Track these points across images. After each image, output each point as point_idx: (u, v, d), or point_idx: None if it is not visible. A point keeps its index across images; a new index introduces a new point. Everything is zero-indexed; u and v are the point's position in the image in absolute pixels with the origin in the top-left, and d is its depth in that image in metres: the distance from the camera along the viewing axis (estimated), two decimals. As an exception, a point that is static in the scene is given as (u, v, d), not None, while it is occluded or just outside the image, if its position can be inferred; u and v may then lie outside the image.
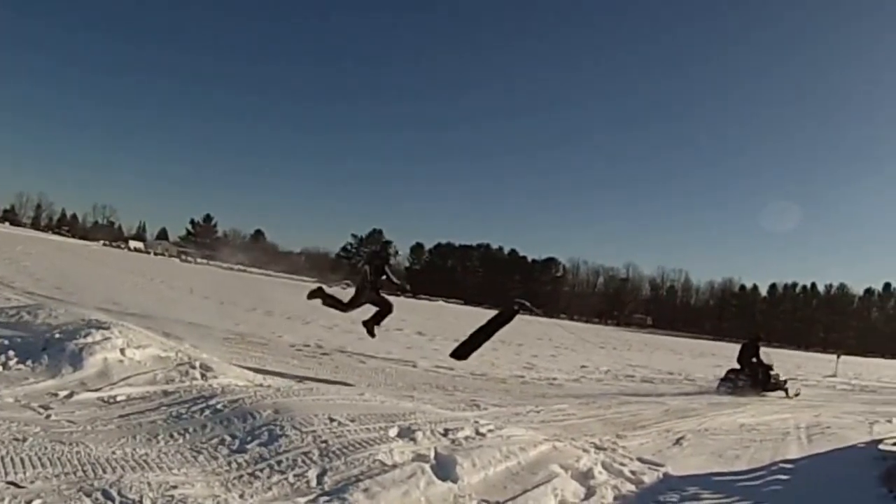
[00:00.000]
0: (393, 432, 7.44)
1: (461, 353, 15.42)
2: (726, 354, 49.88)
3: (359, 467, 6.29)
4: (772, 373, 21.02)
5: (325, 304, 14.55)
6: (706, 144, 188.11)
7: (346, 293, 14.80)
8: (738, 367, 21.12)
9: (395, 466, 6.41)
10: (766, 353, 21.66)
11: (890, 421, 15.15)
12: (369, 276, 14.32)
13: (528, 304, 15.99)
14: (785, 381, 21.32)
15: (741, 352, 21.60)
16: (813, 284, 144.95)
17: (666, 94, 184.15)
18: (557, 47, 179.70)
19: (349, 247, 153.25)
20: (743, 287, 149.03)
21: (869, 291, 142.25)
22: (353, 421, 7.52)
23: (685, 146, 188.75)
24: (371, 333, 14.77)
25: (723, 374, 21.61)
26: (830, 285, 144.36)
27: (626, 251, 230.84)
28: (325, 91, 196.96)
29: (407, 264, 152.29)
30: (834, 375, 35.22)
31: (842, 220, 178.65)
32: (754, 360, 21.02)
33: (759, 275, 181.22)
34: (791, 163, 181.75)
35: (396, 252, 15.03)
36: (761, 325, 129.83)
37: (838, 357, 43.55)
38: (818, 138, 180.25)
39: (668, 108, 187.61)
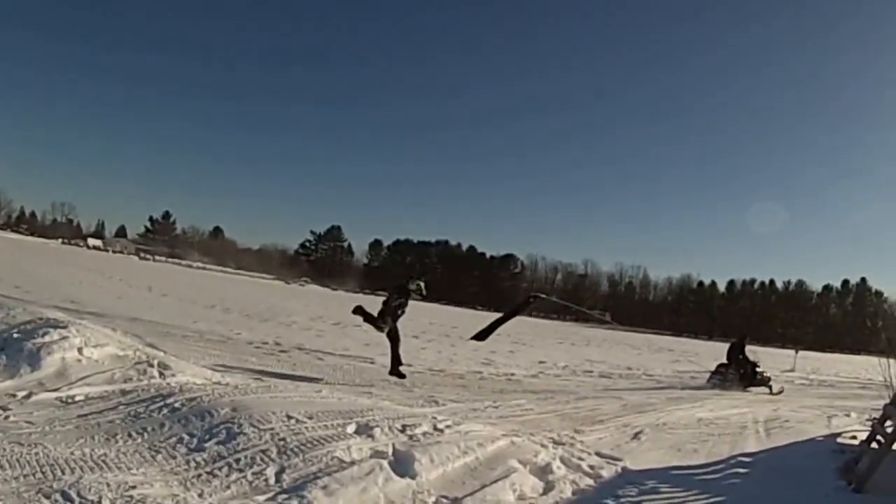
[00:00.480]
0: (351, 429, 7.43)
1: (481, 336, 17.64)
2: (685, 350, 50.70)
3: (317, 464, 6.29)
4: (758, 370, 21.83)
5: (365, 320, 14.89)
6: (665, 145, 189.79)
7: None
8: (726, 363, 22.12)
9: (353, 463, 6.42)
10: (752, 352, 22.67)
11: (848, 415, 15.36)
12: (400, 308, 15.02)
13: (543, 295, 18.13)
14: (769, 379, 22.08)
15: (730, 349, 22.50)
16: (771, 281, 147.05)
17: (626, 100, 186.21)
18: (526, 52, 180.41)
19: (308, 244, 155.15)
20: (701, 283, 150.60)
21: (827, 288, 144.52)
22: (310, 418, 7.50)
23: (644, 147, 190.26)
24: (401, 375, 14.98)
25: (706, 368, 23.33)
26: (789, 282, 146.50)
27: (585, 247, 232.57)
28: (281, 91, 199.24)
29: (365, 261, 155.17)
30: (792, 370, 35.61)
31: (801, 218, 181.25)
32: (741, 357, 21.94)
33: (717, 271, 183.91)
34: (750, 162, 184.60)
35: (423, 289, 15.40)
36: (720, 322, 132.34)
37: (796, 352, 44.17)
38: (777, 137, 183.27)
39: (628, 113, 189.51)
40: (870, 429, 10.65)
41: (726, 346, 23.52)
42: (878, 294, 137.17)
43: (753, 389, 21.07)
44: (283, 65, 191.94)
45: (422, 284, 15.51)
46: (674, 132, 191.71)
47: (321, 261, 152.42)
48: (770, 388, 21.56)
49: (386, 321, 14.90)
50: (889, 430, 8.64)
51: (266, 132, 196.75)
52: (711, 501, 7.37)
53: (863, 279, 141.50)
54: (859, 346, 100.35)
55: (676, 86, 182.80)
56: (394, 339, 15.18)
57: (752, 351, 22.73)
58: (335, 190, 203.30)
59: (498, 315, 17.19)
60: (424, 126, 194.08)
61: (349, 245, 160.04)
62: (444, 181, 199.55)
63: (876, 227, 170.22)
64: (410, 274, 16.07)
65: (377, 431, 7.47)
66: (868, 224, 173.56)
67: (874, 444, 9.14)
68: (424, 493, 6.35)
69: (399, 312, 15.12)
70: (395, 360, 15.07)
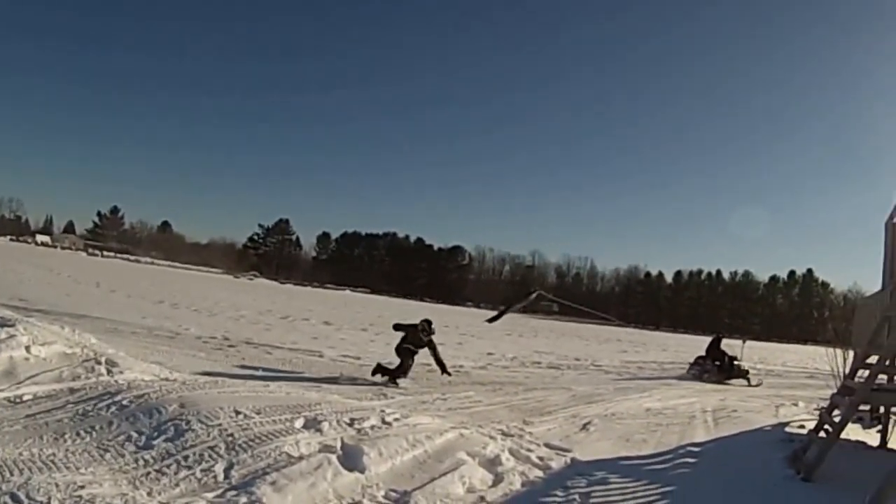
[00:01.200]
0: (299, 423, 7.44)
1: (493, 320, 20.09)
2: (632, 340, 51.30)
3: (265, 460, 6.28)
4: (735, 363, 22.88)
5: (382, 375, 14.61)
6: (613, 134, 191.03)
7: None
8: (704, 355, 23.21)
9: (301, 458, 6.41)
10: (730, 346, 23.89)
11: (795, 404, 15.63)
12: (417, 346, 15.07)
13: (545, 293, 19.84)
14: (747, 371, 23.02)
15: (709, 345, 23.55)
16: (718, 272, 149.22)
17: (572, 88, 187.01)
18: (467, 41, 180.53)
19: (256, 237, 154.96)
20: (648, 274, 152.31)
21: (774, 279, 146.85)
22: (258, 413, 7.49)
23: (591, 136, 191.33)
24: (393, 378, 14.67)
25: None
26: (735, 272, 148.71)
27: (532, 239, 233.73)
28: (226, 84, 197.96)
29: (314, 254, 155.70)
30: (739, 360, 36.11)
31: (747, 210, 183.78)
32: (718, 352, 23.03)
33: (664, 262, 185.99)
34: (696, 154, 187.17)
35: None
36: (668, 312, 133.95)
37: (744, 342, 44.65)
38: (725, 131, 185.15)
39: (574, 101, 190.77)
40: (817, 418, 10.82)
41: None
42: (825, 285, 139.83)
43: (733, 381, 21.96)
44: (229, 57, 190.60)
45: (428, 327, 15.55)
46: (615, 122, 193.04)
47: (270, 254, 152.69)
48: (748, 379, 22.44)
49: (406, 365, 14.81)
50: (836, 419, 8.77)
51: (213, 125, 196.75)
52: (661, 491, 7.40)
53: (809, 270, 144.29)
54: (806, 336, 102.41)
55: (624, 74, 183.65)
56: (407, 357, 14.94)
57: (729, 346, 23.88)
58: (283, 183, 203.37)
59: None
60: (368, 117, 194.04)
61: (297, 238, 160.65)
62: (390, 173, 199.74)
63: (822, 219, 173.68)
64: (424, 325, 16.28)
65: (325, 426, 7.47)
66: (815, 216, 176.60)
67: (822, 434, 9.29)
68: (373, 488, 6.33)
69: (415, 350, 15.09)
70: (392, 371, 14.71)
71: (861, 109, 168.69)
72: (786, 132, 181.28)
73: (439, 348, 15.32)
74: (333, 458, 6.55)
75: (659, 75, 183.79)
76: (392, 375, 14.43)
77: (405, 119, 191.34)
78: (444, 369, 15.38)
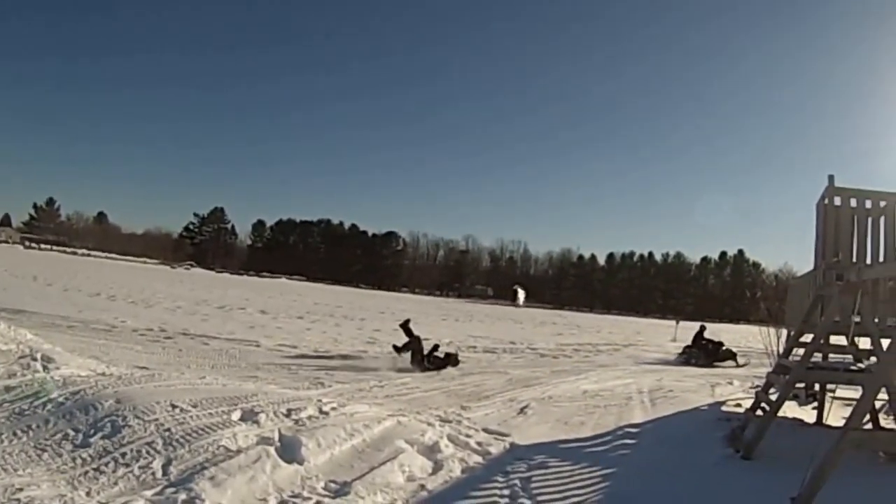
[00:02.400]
0: (236, 416, 7.37)
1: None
2: (567, 322, 51.64)
3: (203, 454, 6.21)
4: (723, 348, 24.23)
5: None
6: (544, 117, 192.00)
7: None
8: (691, 345, 24.79)
9: (239, 451, 6.35)
10: (715, 333, 26.22)
11: (730, 383, 15.80)
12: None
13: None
14: (735, 353, 24.09)
15: (694, 336, 25.19)
16: (650, 253, 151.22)
17: (500, 71, 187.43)
18: (391, 27, 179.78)
19: (192, 226, 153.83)
20: (581, 257, 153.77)
21: (705, 259, 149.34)
22: (195, 406, 7.40)
23: (522, 118, 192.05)
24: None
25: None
26: (667, 254, 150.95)
27: (466, 224, 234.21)
28: (158, 77, 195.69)
29: (249, 242, 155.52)
30: (674, 340, 36.59)
31: (678, 192, 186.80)
32: (703, 341, 24.56)
33: (596, 245, 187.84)
34: (626, 137, 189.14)
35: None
36: (601, 294, 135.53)
37: (677, 323, 45.41)
38: (655, 113, 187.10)
39: (505, 83, 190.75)
40: (753, 397, 10.95)
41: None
42: (756, 265, 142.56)
43: (722, 364, 23.08)
44: (159, 50, 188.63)
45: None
46: (541, 105, 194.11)
47: (206, 243, 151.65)
48: (736, 360, 23.52)
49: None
50: (773, 397, 8.87)
51: (146, 116, 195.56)
52: (602, 473, 7.40)
53: (740, 251, 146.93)
54: (738, 315, 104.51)
55: (552, 56, 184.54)
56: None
57: (715, 333, 26.32)
58: (217, 171, 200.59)
59: None
60: (296, 104, 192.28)
61: (233, 227, 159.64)
62: (324, 159, 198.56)
63: (753, 201, 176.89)
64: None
65: (262, 417, 7.43)
66: (745, 198, 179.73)
67: (759, 412, 9.40)
68: (313, 479, 6.27)
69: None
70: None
71: (789, 95, 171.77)
72: (717, 116, 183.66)
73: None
74: (272, 450, 6.48)
75: (588, 57, 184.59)
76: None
77: (336, 106, 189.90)
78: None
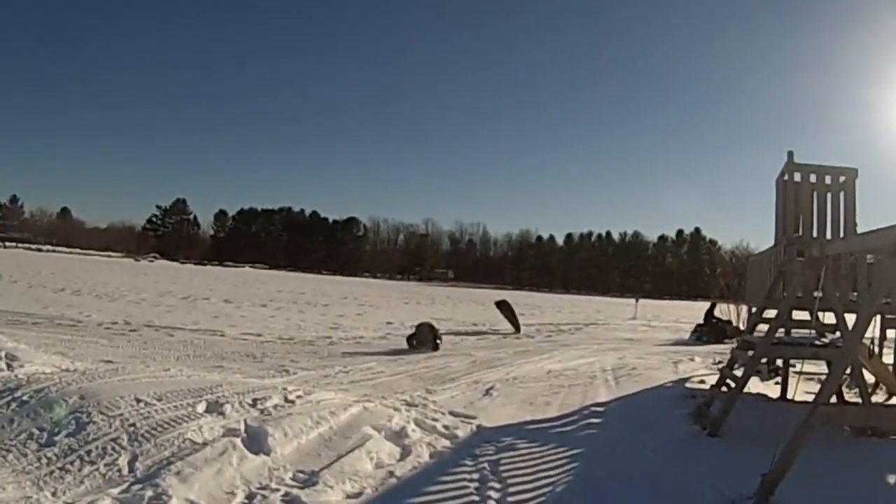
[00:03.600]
0: (201, 408, 7.25)
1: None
2: (528, 303, 51.81)
3: (169, 449, 6.10)
4: (730, 326, 24.07)
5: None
6: (499, 101, 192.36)
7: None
8: (702, 323, 24.86)
9: (205, 444, 6.24)
10: (724, 312, 25.44)
11: (692, 359, 15.88)
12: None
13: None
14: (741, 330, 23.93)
15: (706, 313, 25.25)
16: (608, 233, 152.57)
17: (458, 55, 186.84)
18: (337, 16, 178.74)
19: (154, 218, 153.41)
20: (540, 238, 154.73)
21: (662, 238, 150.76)
22: (160, 400, 7.26)
23: (476, 101, 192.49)
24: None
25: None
26: (625, 233, 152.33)
27: (425, 207, 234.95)
28: (114, 68, 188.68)
29: (212, 232, 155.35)
30: (634, 318, 36.92)
31: (635, 172, 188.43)
32: (714, 319, 24.66)
33: (555, 226, 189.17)
34: (582, 117, 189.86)
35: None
36: (560, 275, 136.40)
37: (637, 301, 45.82)
38: (610, 93, 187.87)
39: (461, 67, 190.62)
40: (716, 373, 10.97)
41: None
42: (713, 243, 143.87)
43: (732, 341, 22.17)
44: (113, 42, 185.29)
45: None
46: (494, 90, 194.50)
47: (169, 235, 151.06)
48: None
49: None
50: (738, 373, 8.88)
51: (105, 107, 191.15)
52: (570, 454, 7.35)
53: (696, 229, 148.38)
54: (696, 292, 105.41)
55: (504, 40, 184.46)
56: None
57: (724, 311, 25.39)
58: (178, 163, 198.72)
59: None
60: (253, 92, 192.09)
61: (195, 217, 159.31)
62: (284, 147, 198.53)
63: (708, 179, 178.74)
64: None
65: (228, 408, 7.31)
66: (701, 177, 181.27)
67: (724, 388, 9.41)
68: (280, 469, 6.17)
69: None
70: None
71: (743, 73, 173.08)
72: (671, 93, 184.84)
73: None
74: (238, 441, 6.37)
75: (543, 41, 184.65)
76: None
77: (293, 93, 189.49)
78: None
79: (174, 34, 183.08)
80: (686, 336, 24.96)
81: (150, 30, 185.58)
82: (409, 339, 17.92)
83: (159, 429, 6.44)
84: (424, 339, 17.69)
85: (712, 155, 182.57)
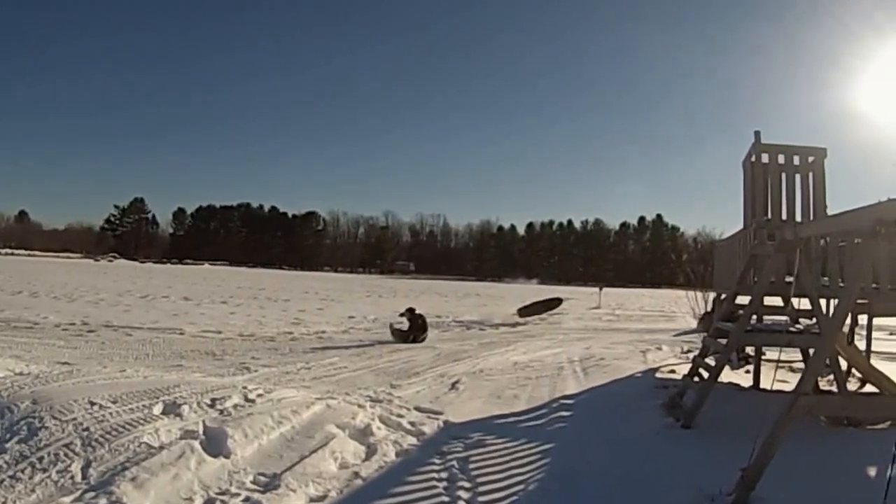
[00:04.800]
0: (157, 410, 7.03)
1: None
2: (490, 294, 51.89)
3: (124, 454, 5.85)
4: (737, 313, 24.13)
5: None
6: (458, 89, 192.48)
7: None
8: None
9: (162, 448, 6.01)
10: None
11: (659, 348, 15.86)
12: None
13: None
14: None
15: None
16: (569, 221, 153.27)
17: (415, 45, 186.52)
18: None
19: (112, 218, 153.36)
20: (501, 227, 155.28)
21: (624, 225, 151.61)
22: (114, 402, 7.01)
23: (433, 93, 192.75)
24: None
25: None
26: (587, 221, 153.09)
27: (385, 200, 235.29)
28: (69, 68, 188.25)
29: (170, 231, 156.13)
30: (598, 307, 36.90)
31: (595, 160, 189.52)
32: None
33: (515, 215, 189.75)
34: (542, 107, 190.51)
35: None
36: (522, 264, 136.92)
37: (600, 289, 45.86)
38: (568, 80, 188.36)
39: (415, 59, 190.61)
40: (685, 361, 10.86)
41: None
42: (675, 229, 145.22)
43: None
44: (62, 41, 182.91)
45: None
46: (451, 78, 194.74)
47: (127, 234, 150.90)
48: None
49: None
50: (711, 363, 8.73)
51: (59, 109, 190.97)
52: (541, 449, 7.19)
53: (658, 216, 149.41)
54: (659, 280, 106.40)
55: (458, 32, 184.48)
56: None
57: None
58: (135, 161, 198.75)
59: None
60: (209, 87, 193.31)
61: (153, 216, 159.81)
62: (239, 142, 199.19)
63: (669, 167, 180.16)
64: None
65: (185, 409, 7.07)
66: (662, 164, 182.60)
67: (696, 378, 9.28)
68: (241, 473, 5.95)
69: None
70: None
71: (702, 59, 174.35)
72: (628, 81, 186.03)
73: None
74: (196, 444, 6.14)
75: (498, 34, 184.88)
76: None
77: (247, 88, 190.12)
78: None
79: (126, 33, 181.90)
80: (682, 325, 24.28)
81: (101, 29, 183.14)
82: (398, 330, 18.29)
83: (114, 433, 6.18)
84: (418, 329, 18.17)
85: (673, 142, 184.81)
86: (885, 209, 5.20)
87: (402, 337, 17.77)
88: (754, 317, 9.01)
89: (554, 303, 28.27)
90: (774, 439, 5.43)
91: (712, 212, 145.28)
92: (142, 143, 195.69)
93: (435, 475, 6.30)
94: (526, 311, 27.03)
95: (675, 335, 21.60)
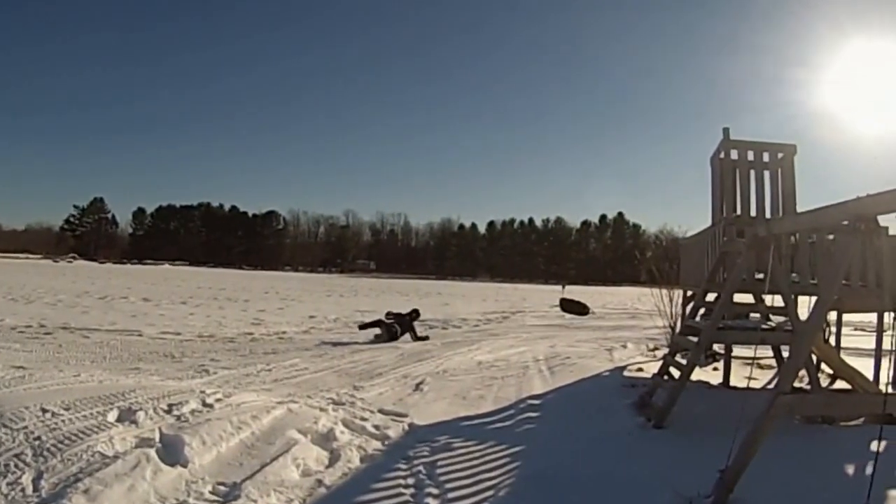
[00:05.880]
0: (112, 416, 6.77)
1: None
2: (452, 292, 51.81)
3: (77, 464, 5.56)
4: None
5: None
6: (418, 87, 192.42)
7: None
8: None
9: (116, 457, 5.74)
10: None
11: (625, 346, 15.83)
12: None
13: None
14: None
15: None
16: (531, 219, 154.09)
17: (370, 43, 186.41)
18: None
19: (72, 218, 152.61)
20: (462, 226, 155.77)
21: (586, 223, 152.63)
22: (67, 409, 6.76)
23: (393, 92, 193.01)
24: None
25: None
26: (548, 219, 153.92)
27: (345, 198, 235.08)
28: (26, 67, 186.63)
29: (130, 231, 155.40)
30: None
31: (556, 158, 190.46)
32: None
33: (477, 214, 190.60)
34: (502, 106, 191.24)
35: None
36: (483, 263, 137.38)
37: (563, 287, 45.81)
38: (529, 76, 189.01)
39: (372, 56, 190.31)
40: (652, 359, 10.77)
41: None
42: (636, 227, 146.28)
43: None
44: (21, 42, 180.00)
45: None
46: (412, 75, 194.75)
47: (87, 235, 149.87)
48: None
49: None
50: (683, 361, 8.61)
51: (16, 110, 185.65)
52: (510, 452, 7.01)
53: (620, 214, 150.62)
54: (621, 277, 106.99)
55: (411, 33, 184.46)
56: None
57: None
58: (94, 161, 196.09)
59: None
60: (165, 85, 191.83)
61: (113, 216, 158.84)
62: (198, 141, 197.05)
63: (628, 164, 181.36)
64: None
65: (141, 416, 6.82)
66: (623, 160, 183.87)
67: (666, 377, 9.18)
68: (199, 482, 5.69)
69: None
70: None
71: (663, 56, 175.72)
72: (587, 81, 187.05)
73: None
74: (152, 452, 5.90)
75: (458, 31, 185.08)
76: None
77: (207, 86, 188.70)
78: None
79: (83, 32, 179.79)
80: (646, 323, 24.39)
81: (57, 28, 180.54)
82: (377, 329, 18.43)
83: (66, 442, 5.92)
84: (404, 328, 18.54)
85: (634, 140, 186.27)
86: (865, 204, 5.08)
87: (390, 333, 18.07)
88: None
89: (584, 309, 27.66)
90: (754, 439, 5.31)
91: (674, 210, 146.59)
92: (101, 143, 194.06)
93: (402, 481, 6.10)
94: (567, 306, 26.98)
95: (642, 331, 21.65)
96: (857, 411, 7.35)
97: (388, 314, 19.26)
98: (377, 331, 18.37)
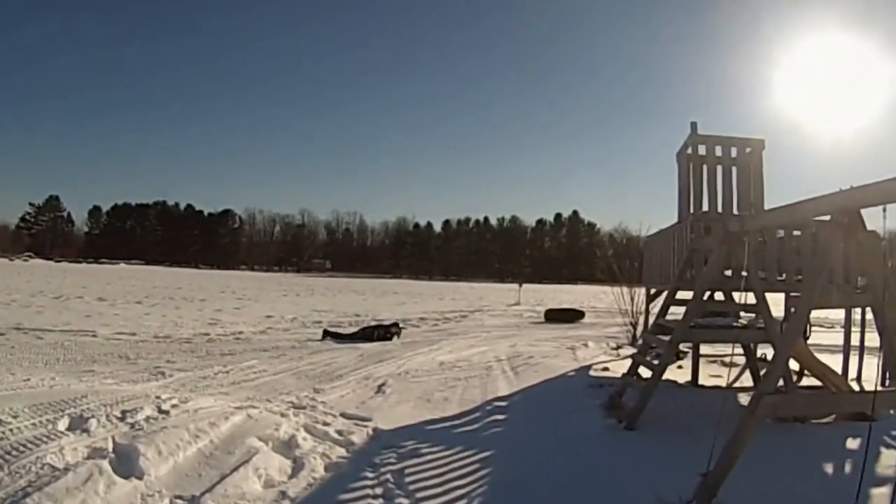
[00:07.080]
0: (63, 425, 6.49)
1: None
2: (409, 291, 51.61)
3: (26, 477, 5.24)
4: None
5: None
6: (371, 83, 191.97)
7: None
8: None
9: (67, 470, 5.41)
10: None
11: (586, 344, 15.75)
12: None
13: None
14: None
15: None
16: (486, 218, 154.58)
17: (330, 37, 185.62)
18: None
19: (27, 216, 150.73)
20: (417, 225, 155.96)
21: (541, 222, 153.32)
22: (16, 417, 6.48)
23: (346, 86, 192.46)
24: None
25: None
26: (503, 218, 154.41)
27: (301, 197, 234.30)
28: None
29: (86, 229, 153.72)
30: (518, 304, 36.86)
31: (511, 157, 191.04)
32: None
33: (432, 213, 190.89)
34: (455, 102, 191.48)
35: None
36: (439, 262, 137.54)
37: (520, 286, 45.95)
38: (482, 75, 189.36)
39: (328, 49, 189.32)
40: (619, 359, 10.61)
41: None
42: (591, 225, 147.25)
43: None
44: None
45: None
46: (364, 71, 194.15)
47: (43, 233, 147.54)
48: None
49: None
50: (655, 361, 8.42)
51: None
52: (479, 458, 6.78)
53: (574, 212, 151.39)
54: (576, 276, 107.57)
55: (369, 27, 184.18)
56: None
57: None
58: (50, 158, 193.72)
59: None
60: (119, 79, 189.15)
61: (69, 214, 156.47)
62: (154, 138, 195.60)
63: (579, 161, 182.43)
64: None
65: (93, 423, 6.50)
66: (571, 159, 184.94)
67: (636, 377, 9.01)
68: (155, 496, 5.38)
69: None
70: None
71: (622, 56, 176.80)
72: (537, 77, 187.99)
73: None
74: (105, 463, 5.57)
75: (409, 24, 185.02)
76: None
77: (162, 81, 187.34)
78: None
79: (40, 23, 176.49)
80: (607, 321, 24.21)
81: (6, 19, 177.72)
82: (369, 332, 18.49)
83: (14, 453, 5.60)
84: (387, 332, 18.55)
85: (590, 138, 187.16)
86: (851, 197, 4.92)
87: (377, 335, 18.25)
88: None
89: (577, 315, 27.87)
90: (738, 442, 5.15)
91: (631, 207, 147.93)
92: (57, 140, 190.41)
93: (369, 491, 5.84)
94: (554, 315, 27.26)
95: (602, 330, 21.58)
96: (841, 411, 7.23)
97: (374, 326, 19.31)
98: (332, 330, 18.70)
